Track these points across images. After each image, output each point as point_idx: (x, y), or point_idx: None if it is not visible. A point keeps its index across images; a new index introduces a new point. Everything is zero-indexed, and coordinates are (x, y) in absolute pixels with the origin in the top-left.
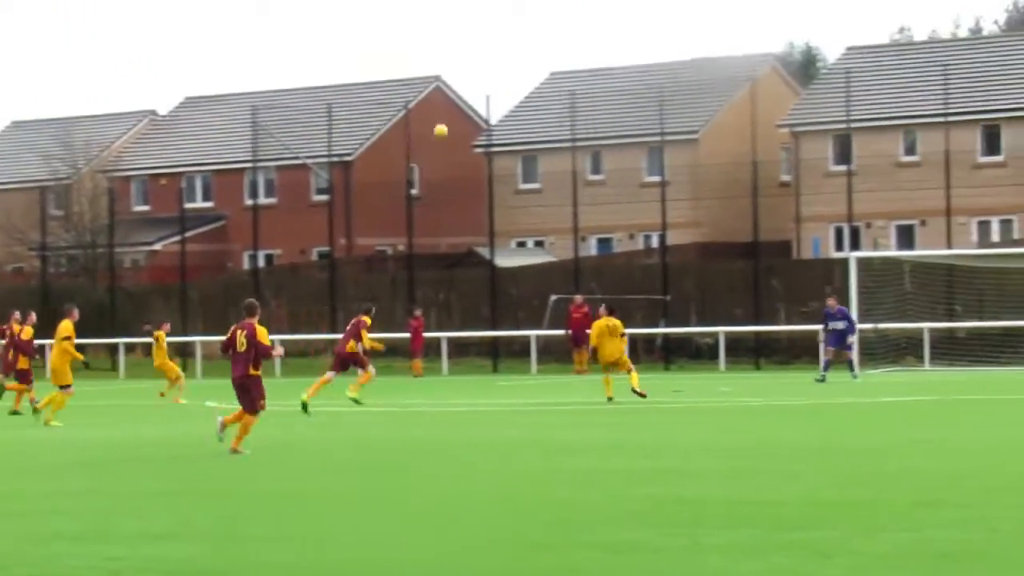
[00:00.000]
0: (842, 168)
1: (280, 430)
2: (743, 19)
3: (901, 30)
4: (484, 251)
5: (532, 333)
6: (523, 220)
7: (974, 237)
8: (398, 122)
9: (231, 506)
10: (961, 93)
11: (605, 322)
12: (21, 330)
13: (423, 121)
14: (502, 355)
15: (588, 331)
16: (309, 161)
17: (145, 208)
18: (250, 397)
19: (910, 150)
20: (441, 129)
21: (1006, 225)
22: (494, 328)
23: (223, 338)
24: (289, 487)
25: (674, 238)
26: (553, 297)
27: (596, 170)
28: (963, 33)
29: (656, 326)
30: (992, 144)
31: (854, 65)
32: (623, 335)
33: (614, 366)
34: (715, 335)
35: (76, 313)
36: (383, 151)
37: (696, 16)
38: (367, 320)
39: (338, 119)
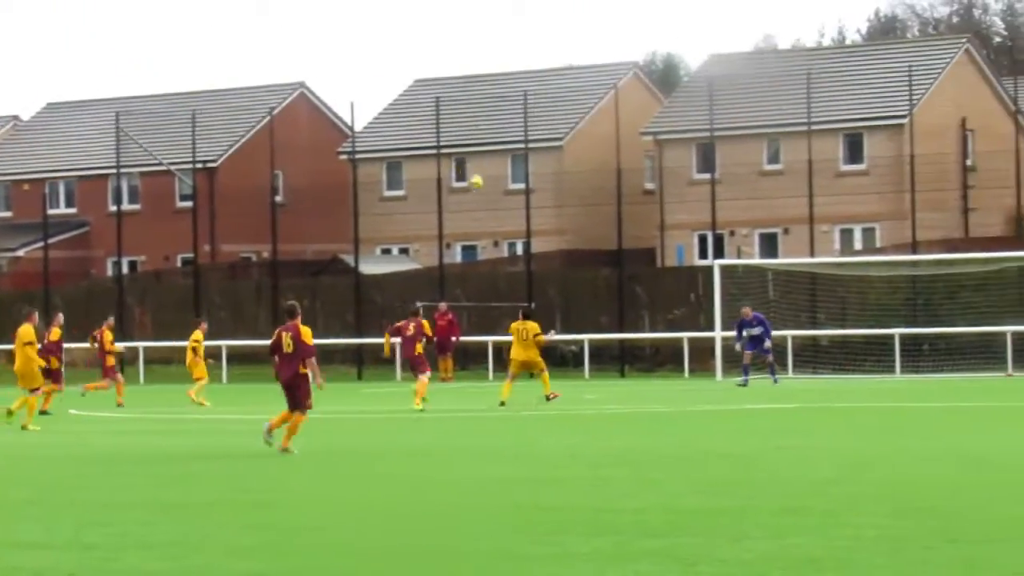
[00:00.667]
0: (705, 176)
1: (147, 438)
2: (606, 27)
3: (765, 38)
4: (349, 258)
5: (397, 340)
6: (388, 227)
7: (837, 245)
8: (262, 128)
9: (93, 514)
10: (824, 102)
11: (519, 325)
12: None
13: (287, 127)
14: (367, 362)
15: (453, 338)
16: (173, 167)
17: (7, 214)
18: (297, 397)
19: (773, 158)
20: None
21: (868, 233)
22: (359, 335)
23: (88, 345)
24: (153, 495)
25: (539, 245)
26: (418, 304)
27: (461, 177)
28: (827, 42)
29: None
30: (855, 153)
31: (717, 73)
32: (537, 336)
33: (523, 367)
34: (580, 342)
35: (36, 317)
36: (247, 157)
37: (559, 24)
38: (426, 323)
39: (202, 125)
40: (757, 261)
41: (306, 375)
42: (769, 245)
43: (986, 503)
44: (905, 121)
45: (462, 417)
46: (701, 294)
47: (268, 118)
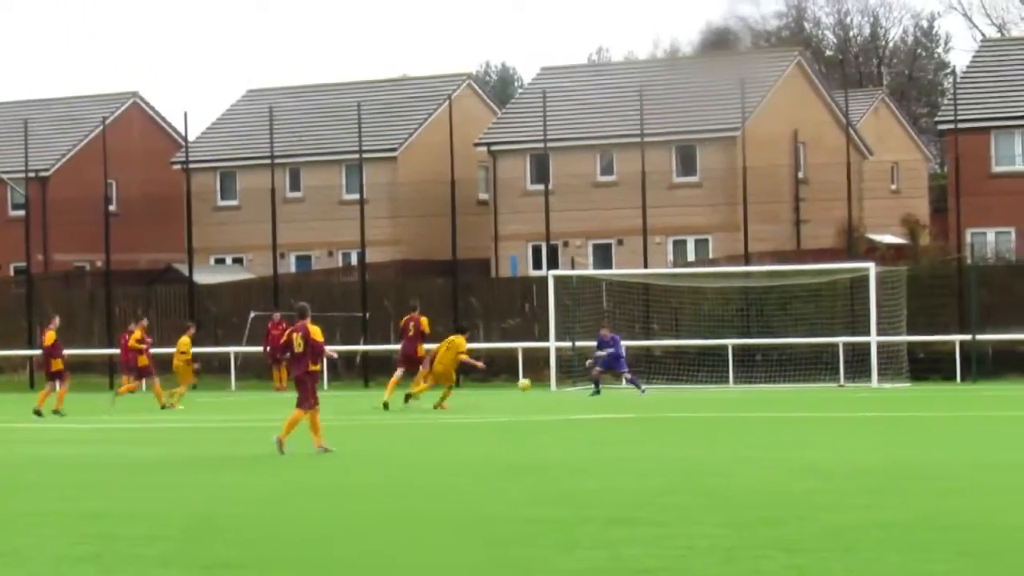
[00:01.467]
0: (539, 187)
1: None
2: (440, 39)
3: (599, 51)
4: (183, 268)
5: (231, 350)
6: (221, 237)
7: (670, 256)
8: (95, 137)
9: None
10: (657, 114)
11: (455, 339)
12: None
13: (120, 137)
14: (202, 372)
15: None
16: (5, 176)
17: None
18: (305, 392)
19: (607, 170)
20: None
21: (701, 244)
22: (193, 345)
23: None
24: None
25: (373, 256)
26: (252, 314)
27: (295, 187)
28: (661, 55)
29: (356, 343)
30: (688, 165)
31: (550, 85)
32: (460, 353)
33: (439, 378)
34: None
35: None
36: (80, 166)
37: (393, 35)
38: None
39: (34, 134)
40: (591, 272)
41: (315, 373)
42: (603, 256)
43: (817, 512)
44: (737, 133)
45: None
46: (535, 304)
47: (101, 127)
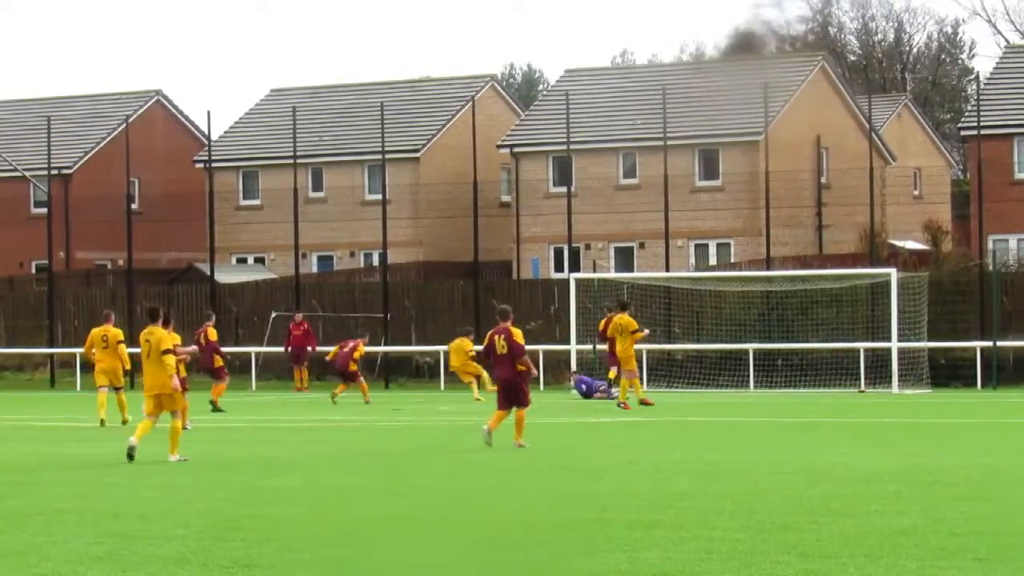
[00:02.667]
0: (562, 189)
1: None
2: (464, 40)
3: (623, 53)
4: (204, 267)
5: (252, 349)
6: (243, 236)
7: (692, 260)
8: (118, 135)
9: None
10: (680, 117)
11: (617, 319)
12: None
13: (143, 135)
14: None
15: (309, 348)
16: (28, 173)
17: None
18: (520, 393)
19: (629, 173)
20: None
21: (723, 248)
22: (223, 344)
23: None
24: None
25: (395, 257)
26: (273, 314)
27: (317, 187)
28: (686, 58)
29: (377, 344)
30: (710, 168)
31: (573, 88)
32: (634, 332)
33: (624, 363)
34: (435, 354)
35: None
36: (103, 164)
37: (417, 36)
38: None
39: (57, 132)
40: (613, 275)
41: (523, 373)
42: (624, 259)
43: (835, 517)
44: (760, 138)
45: (313, 427)
46: (557, 307)
47: (124, 125)
